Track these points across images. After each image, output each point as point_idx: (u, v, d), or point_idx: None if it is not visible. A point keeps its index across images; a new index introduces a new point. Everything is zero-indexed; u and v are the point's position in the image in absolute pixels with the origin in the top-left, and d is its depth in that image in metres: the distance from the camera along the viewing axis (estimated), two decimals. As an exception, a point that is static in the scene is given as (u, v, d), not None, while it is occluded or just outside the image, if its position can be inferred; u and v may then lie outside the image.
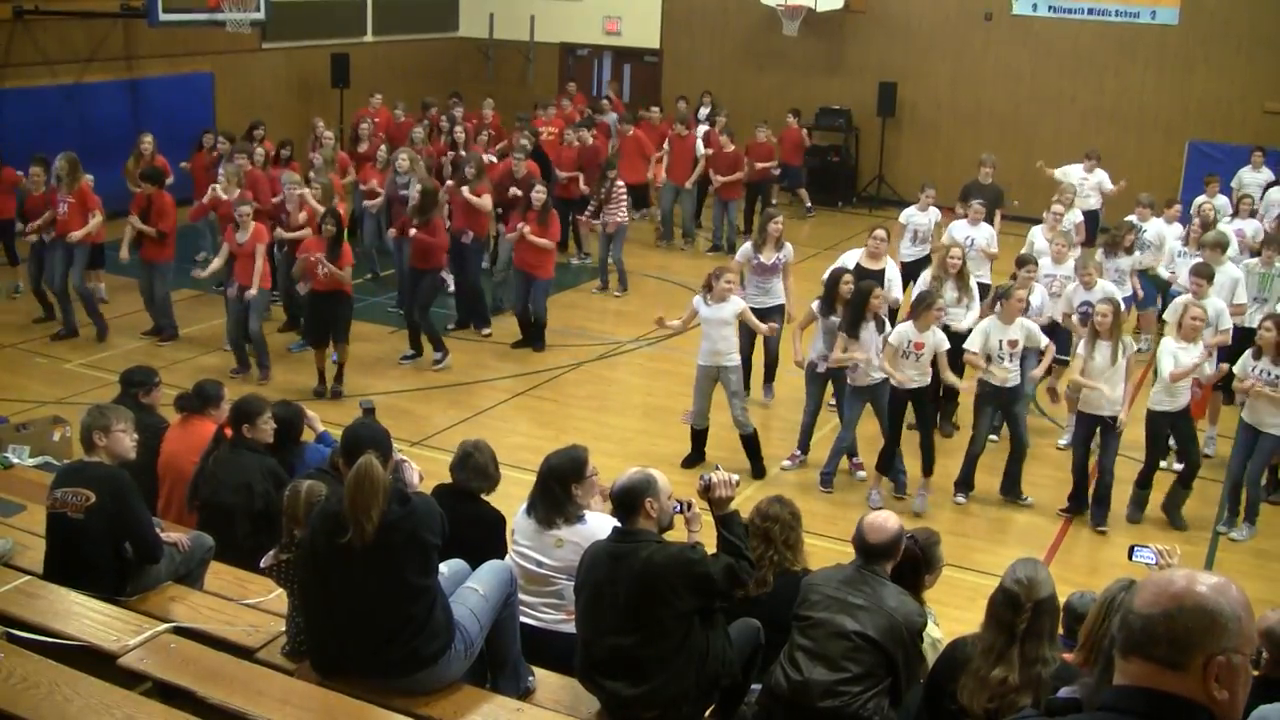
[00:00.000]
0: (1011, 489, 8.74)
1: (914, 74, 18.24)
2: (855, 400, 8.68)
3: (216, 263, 10.93)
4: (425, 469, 5.91)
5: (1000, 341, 8.35)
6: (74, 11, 14.55)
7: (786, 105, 18.02)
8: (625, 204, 13.43)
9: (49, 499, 5.15)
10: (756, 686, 4.63)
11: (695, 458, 9.07)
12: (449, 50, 20.96)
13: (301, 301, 10.89)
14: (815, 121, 18.15)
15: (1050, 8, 17.50)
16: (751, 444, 8.94)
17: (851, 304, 8.54)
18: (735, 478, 4.53)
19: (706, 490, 4.47)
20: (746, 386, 9.70)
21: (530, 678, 4.70)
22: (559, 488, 5.12)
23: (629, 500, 4.43)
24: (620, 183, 13.31)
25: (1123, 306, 8.93)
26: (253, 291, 10.32)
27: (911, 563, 4.74)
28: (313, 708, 4.23)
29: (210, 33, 15.49)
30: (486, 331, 11.93)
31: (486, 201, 11.88)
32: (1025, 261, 9.32)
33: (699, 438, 9.09)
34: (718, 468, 4.55)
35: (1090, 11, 17.27)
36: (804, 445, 9.17)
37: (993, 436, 9.11)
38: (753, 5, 18.38)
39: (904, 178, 18.35)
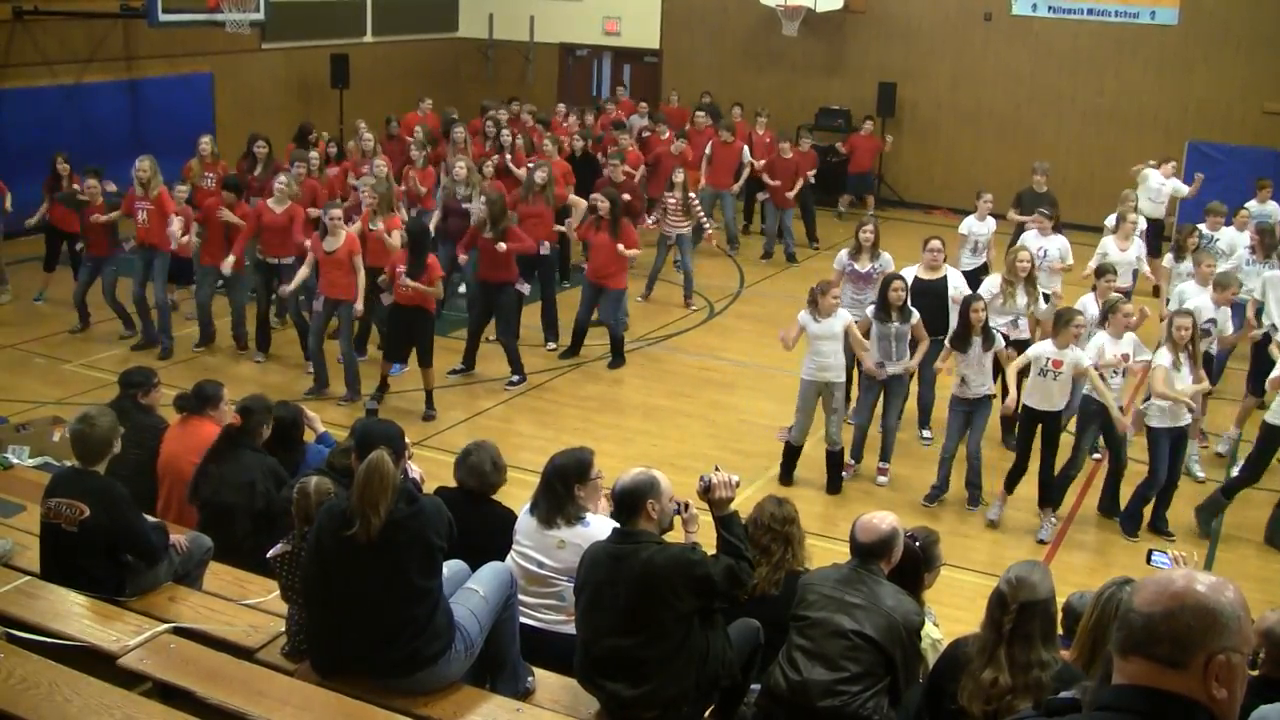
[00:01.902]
0: (1112, 506, 8.54)
1: (914, 74, 18.24)
2: (957, 414, 8.53)
3: (304, 271, 10.21)
4: (425, 470, 5.91)
5: (1112, 356, 8.21)
6: (74, 12, 14.55)
7: (786, 105, 18.02)
8: (697, 212, 13.04)
9: (43, 505, 5.11)
10: (756, 687, 4.64)
11: (787, 476, 8.90)
12: (449, 50, 20.96)
13: (381, 314, 10.33)
14: (815, 122, 18.13)
15: (1050, 8, 17.51)
16: (835, 460, 8.82)
17: (959, 320, 8.47)
18: (735, 478, 4.52)
19: (706, 491, 4.46)
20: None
21: (530, 678, 4.70)
22: (561, 487, 5.12)
23: (631, 500, 4.42)
24: (691, 192, 13.03)
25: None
26: (359, 307, 9.90)
27: (911, 562, 4.75)
28: (312, 708, 4.23)
29: (210, 33, 15.49)
30: (552, 346, 11.63)
31: (580, 201, 11.79)
32: (1105, 271, 9.15)
33: (793, 455, 8.90)
34: (717, 468, 4.53)
35: (1090, 11, 17.28)
36: (857, 455, 9.04)
37: (1095, 454, 8.98)
38: (752, 5, 18.37)
39: (904, 178, 18.36)
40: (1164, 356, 8.01)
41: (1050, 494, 8.33)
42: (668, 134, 15.25)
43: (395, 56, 19.69)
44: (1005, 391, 8.72)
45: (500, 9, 20.32)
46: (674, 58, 19.95)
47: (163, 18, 14.16)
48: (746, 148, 15.19)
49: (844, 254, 10.00)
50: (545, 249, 11.43)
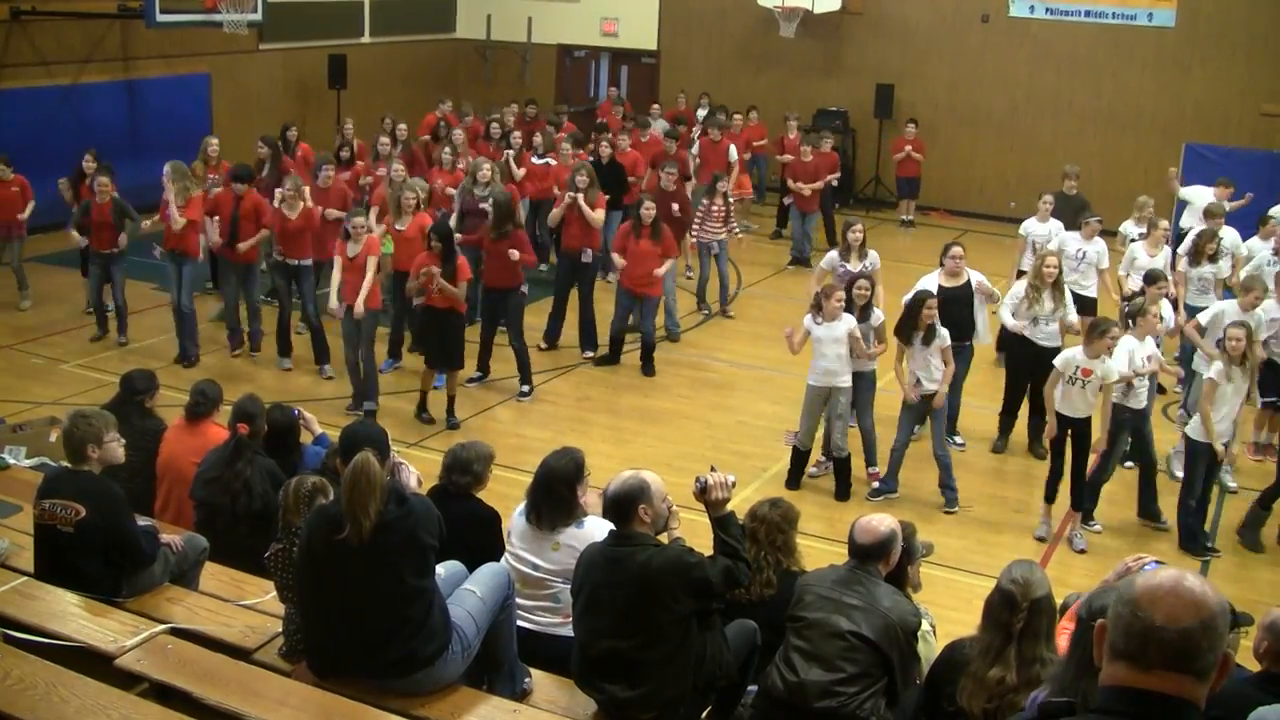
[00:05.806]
0: (1148, 510, 8.49)
1: (911, 76, 18.25)
2: (909, 412, 8.55)
3: (336, 275, 9.70)
4: (422, 471, 5.90)
5: (1142, 361, 8.14)
6: (71, 12, 14.55)
7: (784, 107, 18.00)
8: (732, 218, 12.75)
9: (36, 507, 5.07)
10: (752, 688, 4.64)
11: (795, 481, 8.84)
12: (446, 51, 20.97)
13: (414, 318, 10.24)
14: (813, 123, 18.12)
15: (1047, 10, 17.52)
16: (843, 467, 8.76)
17: (906, 311, 8.42)
18: (732, 478, 4.51)
19: (703, 492, 4.45)
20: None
21: (527, 679, 4.70)
22: (566, 490, 5.06)
23: (623, 506, 4.41)
24: (728, 199, 12.78)
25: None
26: (360, 309, 9.48)
27: None
28: (310, 708, 4.23)
29: (207, 33, 15.49)
30: (589, 354, 11.44)
31: (600, 215, 11.31)
32: (1156, 278, 9.05)
33: (801, 459, 8.86)
34: (714, 469, 4.53)
35: (1087, 13, 17.29)
36: (872, 459, 8.94)
37: (1127, 463, 8.86)
38: (750, 6, 18.38)
39: (901, 179, 18.36)
40: (1216, 369, 7.91)
41: (1080, 499, 8.27)
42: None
43: (393, 57, 19.69)
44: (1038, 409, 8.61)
45: (498, 10, 20.31)
46: (671, 59, 19.95)
47: (160, 18, 14.16)
48: (733, 147, 15.13)
49: (834, 254, 10.00)
50: (588, 256, 11.24)
